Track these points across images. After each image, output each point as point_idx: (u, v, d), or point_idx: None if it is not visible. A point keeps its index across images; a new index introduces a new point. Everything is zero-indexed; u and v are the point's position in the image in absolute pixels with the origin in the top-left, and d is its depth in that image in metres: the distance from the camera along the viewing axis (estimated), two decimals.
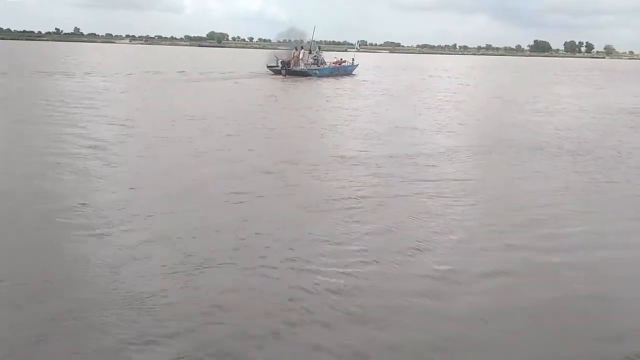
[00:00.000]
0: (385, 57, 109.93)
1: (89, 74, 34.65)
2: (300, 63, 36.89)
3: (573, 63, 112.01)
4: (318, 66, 38.06)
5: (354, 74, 42.05)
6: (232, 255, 5.70)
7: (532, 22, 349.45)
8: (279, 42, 44.72)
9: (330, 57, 41.94)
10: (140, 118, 15.98)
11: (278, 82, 32.51)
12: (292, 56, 37.12)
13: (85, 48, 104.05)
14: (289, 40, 41.36)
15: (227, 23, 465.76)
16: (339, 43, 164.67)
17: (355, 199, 7.97)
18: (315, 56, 38.71)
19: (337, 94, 26.08)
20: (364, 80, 36.82)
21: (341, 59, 42.69)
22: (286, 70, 35.71)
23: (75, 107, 17.76)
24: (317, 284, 5.09)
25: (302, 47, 38.74)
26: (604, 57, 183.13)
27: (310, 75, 35.94)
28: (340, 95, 25.66)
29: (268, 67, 37.55)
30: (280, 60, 36.66)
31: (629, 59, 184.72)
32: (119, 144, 11.78)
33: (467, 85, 36.91)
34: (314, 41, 39.46)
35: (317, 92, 27.04)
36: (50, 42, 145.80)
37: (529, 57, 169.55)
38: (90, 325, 4.30)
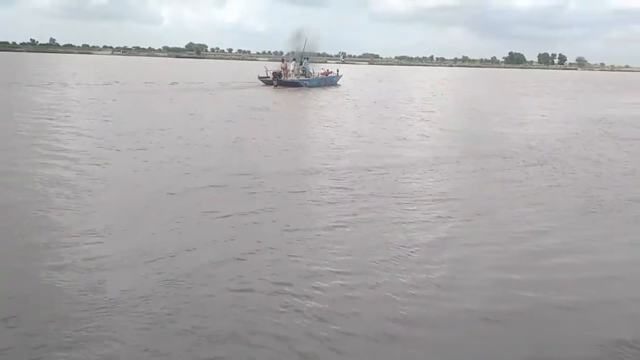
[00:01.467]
0: (365, 68, 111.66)
1: (64, 85, 34.84)
2: (291, 74, 39.12)
3: (547, 74, 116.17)
4: (306, 77, 40.31)
5: (338, 84, 44.61)
6: (206, 274, 5.73)
7: (507, 34, 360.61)
8: (276, 53, 47.11)
9: (317, 68, 44.31)
10: (110, 129, 15.99)
11: (272, 92, 34.59)
12: (282, 68, 39.33)
13: (60, 59, 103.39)
14: (292, 52, 43.56)
15: (205, 34, 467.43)
16: (318, 54, 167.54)
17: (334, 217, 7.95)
18: (303, 67, 40.98)
19: (329, 104, 28.33)
20: (346, 94, 38.93)
21: (328, 70, 45.23)
22: (278, 81, 37.86)
23: (50, 118, 17.87)
24: (286, 306, 5.09)
25: (293, 59, 41.06)
26: (576, 69, 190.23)
27: (301, 86, 38.20)
28: (334, 107, 27.80)
29: (259, 78, 39.73)
30: (272, 72, 38.80)
31: (600, 70, 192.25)
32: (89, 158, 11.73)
33: (443, 95, 39.62)
34: (304, 52, 41.86)
35: (310, 102, 29.22)
36: (25, 52, 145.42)
37: (504, 69, 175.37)
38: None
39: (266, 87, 37.80)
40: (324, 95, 33.51)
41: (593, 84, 68.28)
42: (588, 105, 32.13)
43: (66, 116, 18.79)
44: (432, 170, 11.58)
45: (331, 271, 5.91)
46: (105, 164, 11.08)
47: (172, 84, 39.09)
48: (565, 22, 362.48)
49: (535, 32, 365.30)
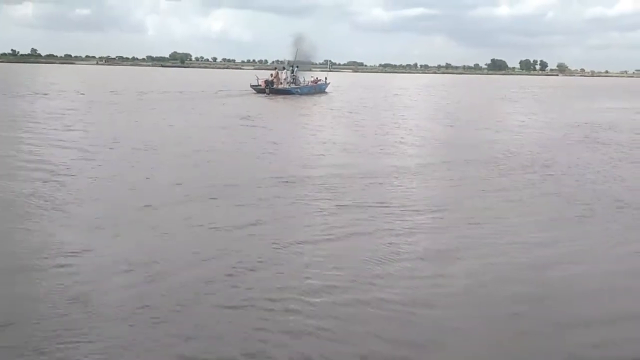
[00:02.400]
0: (349, 76, 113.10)
1: (46, 95, 35.16)
2: (283, 82, 40.50)
3: (528, 80, 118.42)
4: (296, 85, 41.69)
5: (327, 92, 46.12)
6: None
7: (489, 42, 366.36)
8: (261, 62, 48.76)
9: (307, 76, 45.77)
10: (98, 139, 16.29)
11: (264, 100, 35.87)
12: (274, 76, 40.70)
13: (41, 69, 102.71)
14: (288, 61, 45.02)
15: (190, 43, 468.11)
16: (311, 63, 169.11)
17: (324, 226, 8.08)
18: (293, 75, 42.37)
19: (319, 112, 29.67)
20: (335, 105, 40.42)
21: (317, 78, 46.70)
22: (270, 89, 39.18)
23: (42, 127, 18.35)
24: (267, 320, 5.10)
25: (283, 68, 42.52)
26: (557, 75, 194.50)
27: (293, 94, 39.55)
28: (324, 114, 29.13)
29: (251, 86, 41.04)
30: (264, 80, 40.14)
31: (581, 76, 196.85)
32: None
33: (426, 102, 41.27)
34: (296, 61, 43.47)
35: (302, 110, 30.55)
36: (5, 63, 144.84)
37: (487, 75, 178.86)
38: None
39: (258, 95, 39.05)
40: (314, 104, 34.86)
41: (572, 89, 70.44)
42: (568, 111, 32.76)
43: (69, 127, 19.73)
44: (421, 178, 11.78)
45: (322, 285, 5.89)
46: (95, 177, 11.07)
47: (163, 93, 40.21)
48: (545, 29, 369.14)
49: (516, 39, 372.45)
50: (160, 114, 24.93)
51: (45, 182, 10.39)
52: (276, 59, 45.80)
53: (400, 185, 10.97)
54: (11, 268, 6.26)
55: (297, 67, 43.46)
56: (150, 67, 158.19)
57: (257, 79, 41.25)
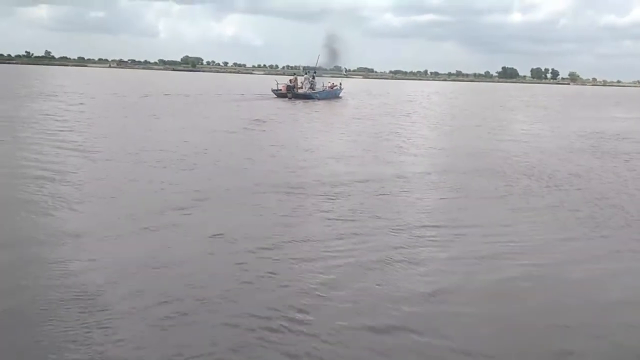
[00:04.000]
0: (360, 82, 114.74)
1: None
2: (302, 87, 43.73)
3: (539, 89, 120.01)
4: (313, 90, 44.62)
5: (341, 97, 49.04)
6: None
7: (500, 49, 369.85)
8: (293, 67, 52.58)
9: (325, 82, 48.83)
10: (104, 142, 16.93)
11: (287, 104, 38.59)
12: (293, 81, 43.79)
13: (55, 71, 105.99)
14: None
15: (201, 47, 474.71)
16: (312, 68, 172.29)
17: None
18: (311, 81, 45.36)
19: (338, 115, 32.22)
20: (355, 107, 43.03)
21: (333, 84, 49.55)
22: (292, 93, 42.20)
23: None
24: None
25: (306, 73, 45.86)
26: (568, 84, 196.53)
27: (312, 98, 42.46)
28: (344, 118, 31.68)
29: (272, 90, 43.97)
30: (284, 85, 43.16)
31: (592, 85, 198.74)
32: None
33: (437, 110, 43.69)
34: (315, 68, 46.73)
35: (322, 115, 33.14)
36: (20, 65, 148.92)
37: (498, 83, 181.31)
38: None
39: (279, 99, 41.82)
40: (331, 108, 37.64)
41: (583, 98, 72.16)
42: (575, 121, 32.65)
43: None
44: (432, 186, 12.20)
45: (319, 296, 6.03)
46: (99, 178, 11.70)
47: (185, 96, 43.35)
48: (557, 37, 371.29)
49: (527, 47, 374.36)
50: (195, 117, 27.69)
51: (59, 183, 11.05)
52: (287, 64, 48.89)
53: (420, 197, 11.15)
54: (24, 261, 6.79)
55: (315, 72, 46.57)
56: (162, 71, 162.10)
57: (277, 83, 44.22)
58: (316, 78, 46.06)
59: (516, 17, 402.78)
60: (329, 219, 8.99)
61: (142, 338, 5.00)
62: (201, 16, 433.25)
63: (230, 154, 15.50)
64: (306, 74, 46.49)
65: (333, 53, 47.80)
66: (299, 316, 5.48)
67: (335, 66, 58.03)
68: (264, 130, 21.72)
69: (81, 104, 31.61)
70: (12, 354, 4.73)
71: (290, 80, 44.39)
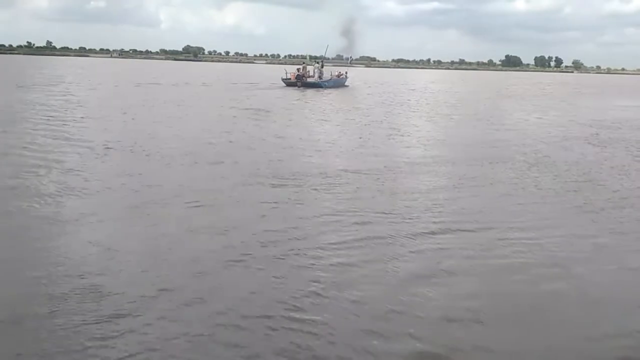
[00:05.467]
0: (362, 71, 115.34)
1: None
2: (314, 75, 46.03)
3: (543, 77, 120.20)
4: (321, 79, 46.58)
5: (346, 85, 51.03)
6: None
7: (503, 37, 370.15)
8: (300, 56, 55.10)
9: (334, 71, 50.96)
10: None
11: (297, 92, 40.47)
12: (302, 70, 45.72)
13: (57, 61, 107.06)
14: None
15: (203, 37, 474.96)
16: (320, 58, 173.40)
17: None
18: (321, 70, 47.33)
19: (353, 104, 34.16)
20: (367, 93, 44.96)
21: (340, 73, 51.51)
22: (302, 82, 44.19)
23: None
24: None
25: (316, 62, 48.09)
26: (572, 72, 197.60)
27: (321, 87, 44.43)
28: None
29: (283, 80, 45.92)
30: (293, 73, 45.21)
31: (596, 73, 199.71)
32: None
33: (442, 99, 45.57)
34: (323, 57, 48.83)
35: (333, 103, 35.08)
36: (21, 55, 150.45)
37: (501, 72, 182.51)
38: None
39: (289, 88, 43.73)
40: (340, 96, 39.55)
41: (586, 87, 72.88)
42: (578, 110, 32.39)
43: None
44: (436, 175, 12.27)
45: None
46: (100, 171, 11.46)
47: (204, 84, 45.23)
48: (561, 25, 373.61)
49: (531, 35, 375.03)
50: (230, 101, 29.57)
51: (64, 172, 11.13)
52: (289, 53, 50.93)
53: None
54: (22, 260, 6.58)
55: (322, 61, 48.68)
56: (164, 61, 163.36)
57: (286, 72, 46.19)
58: (324, 67, 48.04)
59: (520, 5, 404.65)
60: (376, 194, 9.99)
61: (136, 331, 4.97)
62: (202, 5, 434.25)
63: (254, 139, 16.58)
64: (317, 62, 48.41)
65: (350, 41, 50.04)
66: (300, 315, 5.40)
67: (337, 55, 59.93)
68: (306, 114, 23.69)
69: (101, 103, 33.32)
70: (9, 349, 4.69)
71: (299, 69, 46.31)
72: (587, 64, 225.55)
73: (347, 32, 49.45)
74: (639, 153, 15.94)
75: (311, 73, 46.15)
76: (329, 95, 38.17)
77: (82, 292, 5.63)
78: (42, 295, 5.56)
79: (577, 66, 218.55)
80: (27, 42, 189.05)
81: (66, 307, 5.33)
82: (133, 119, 21.07)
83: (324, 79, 46.28)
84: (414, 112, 28.53)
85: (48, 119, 19.39)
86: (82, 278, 5.99)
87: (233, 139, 16.50)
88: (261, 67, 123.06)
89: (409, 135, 18.79)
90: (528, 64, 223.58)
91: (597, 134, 20.04)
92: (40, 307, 5.30)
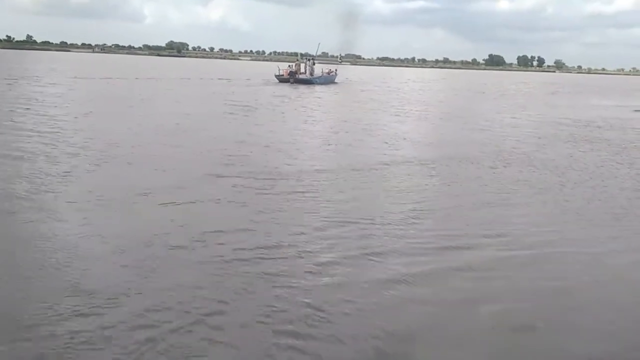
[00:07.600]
0: (348, 69, 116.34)
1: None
2: (304, 73, 48.50)
3: (526, 76, 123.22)
4: (312, 75, 49.10)
5: (336, 82, 53.68)
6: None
7: (487, 37, 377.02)
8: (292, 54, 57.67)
9: (325, 68, 53.61)
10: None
11: (290, 88, 42.84)
12: (295, 67, 48.29)
13: (36, 56, 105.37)
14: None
15: (187, 33, 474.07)
16: (294, 54, 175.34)
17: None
18: (312, 67, 49.92)
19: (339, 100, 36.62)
20: (361, 90, 47.48)
21: (330, 70, 54.16)
22: (294, 78, 46.67)
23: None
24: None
25: (307, 59, 50.98)
26: (554, 71, 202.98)
27: (313, 83, 46.98)
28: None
29: (276, 76, 48.34)
30: (286, 70, 47.76)
31: (578, 72, 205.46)
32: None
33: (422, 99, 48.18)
34: (314, 56, 51.51)
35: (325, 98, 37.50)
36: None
37: (484, 70, 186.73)
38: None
39: (282, 84, 46.11)
40: (334, 92, 42.03)
41: (565, 86, 76.00)
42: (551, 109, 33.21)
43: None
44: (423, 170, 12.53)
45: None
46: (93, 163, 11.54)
47: (201, 79, 47.46)
48: (544, 25, 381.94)
49: (515, 34, 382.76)
50: (229, 96, 31.82)
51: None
52: (274, 49, 53.25)
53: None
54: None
55: (314, 59, 51.46)
56: (147, 56, 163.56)
57: (279, 69, 48.62)
58: (315, 64, 50.67)
59: (504, 5, 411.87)
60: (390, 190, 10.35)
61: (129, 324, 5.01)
62: (187, 1, 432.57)
63: (256, 131, 18.10)
64: (308, 60, 51.00)
65: (351, 37, 52.61)
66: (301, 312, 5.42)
67: (322, 52, 62.03)
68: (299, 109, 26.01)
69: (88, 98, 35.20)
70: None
71: (290, 66, 48.89)
72: (569, 63, 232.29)
73: (348, 27, 52.28)
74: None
75: (302, 70, 48.66)
76: (321, 93, 40.67)
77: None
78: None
79: (559, 66, 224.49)
80: (7, 35, 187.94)
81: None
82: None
83: (315, 76, 48.84)
84: (393, 108, 30.89)
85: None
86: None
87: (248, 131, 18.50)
88: (248, 64, 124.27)
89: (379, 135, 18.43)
90: (511, 64, 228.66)
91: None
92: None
